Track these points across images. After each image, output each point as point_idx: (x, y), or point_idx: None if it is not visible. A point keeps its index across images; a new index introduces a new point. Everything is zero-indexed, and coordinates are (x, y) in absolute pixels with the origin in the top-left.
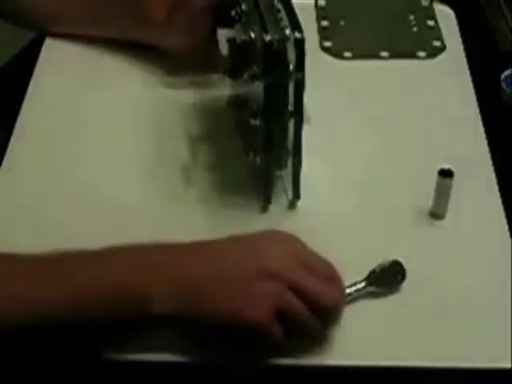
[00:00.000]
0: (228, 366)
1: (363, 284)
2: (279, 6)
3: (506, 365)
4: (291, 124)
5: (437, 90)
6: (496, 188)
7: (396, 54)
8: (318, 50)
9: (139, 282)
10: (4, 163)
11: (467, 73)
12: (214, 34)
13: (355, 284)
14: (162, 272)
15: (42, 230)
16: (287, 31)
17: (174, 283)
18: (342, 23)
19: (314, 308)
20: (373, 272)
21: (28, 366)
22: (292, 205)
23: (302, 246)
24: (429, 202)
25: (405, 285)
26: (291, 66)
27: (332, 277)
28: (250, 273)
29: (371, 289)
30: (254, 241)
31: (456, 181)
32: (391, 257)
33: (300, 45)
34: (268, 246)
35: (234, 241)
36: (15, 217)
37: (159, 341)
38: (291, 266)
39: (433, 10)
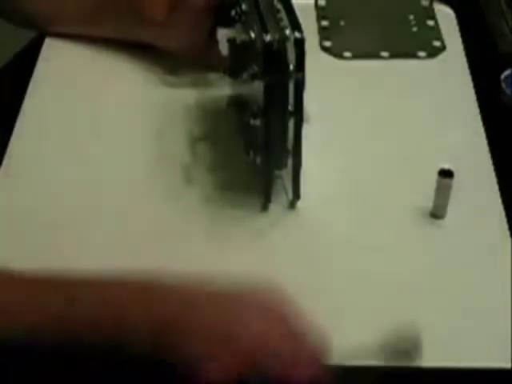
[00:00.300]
0: None
1: (372, 360)
2: (279, 6)
3: (506, 365)
4: (291, 124)
5: (437, 89)
6: (496, 188)
7: (396, 54)
8: (318, 49)
9: (116, 315)
10: (4, 163)
11: (467, 73)
12: (213, 33)
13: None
14: (141, 311)
15: (42, 231)
16: (287, 31)
17: (150, 319)
18: (342, 23)
19: None
20: (384, 349)
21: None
22: (292, 205)
23: (285, 315)
24: (429, 202)
25: (405, 285)
26: (291, 66)
27: (310, 355)
28: (219, 336)
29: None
30: (237, 302)
31: (456, 181)
32: (391, 257)
33: (300, 45)
34: (249, 317)
35: (219, 295)
36: (15, 217)
37: None
38: (260, 343)
39: (433, 10)
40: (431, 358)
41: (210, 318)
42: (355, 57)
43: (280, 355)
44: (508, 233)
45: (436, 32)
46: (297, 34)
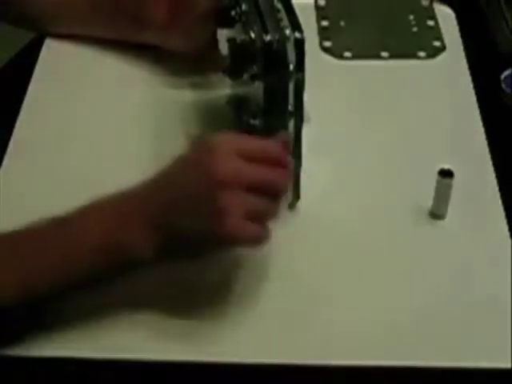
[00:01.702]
0: (224, 366)
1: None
2: (279, 6)
3: (506, 365)
4: (291, 124)
5: (437, 89)
6: (496, 188)
7: (396, 54)
8: (318, 49)
9: (114, 237)
10: (4, 163)
11: (467, 73)
12: (214, 34)
13: None
14: (132, 219)
15: None
16: (287, 31)
17: (147, 224)
18: (342, 23)
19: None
20: None
21: None
22: (292, 205)
23: (240, 140)
24: (429, 202)
25: (405, 285)
26: (291, 66)
27: (276, 156)
28: (209, 190)
29: None
30: (199, 157)
31: (456, 181)
32: (391, 256)
33: (300, 45)
34: (213, 158)
35: (183, 164)
36: (15, 217)
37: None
38: (242, 169)
39: (433, 10)
40: (431, 357)
41: (195, 183)
42: (355, 57)
43: (263, 170)
44: (508, 233)
45: (436, 32)
46: (297, 34)
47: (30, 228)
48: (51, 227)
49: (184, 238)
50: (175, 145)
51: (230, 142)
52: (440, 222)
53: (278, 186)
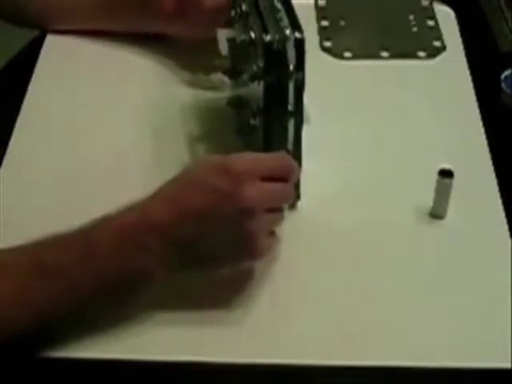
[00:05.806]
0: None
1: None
2: (279, 6)
3: (506, 365)
4: (291, 124)
5: (437, 89)
6: (496, 188)
7: (396, 54)
8: (318, 50)
9: (132, 264)
10: (4, 163)
11: (467, 73)
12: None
13: None
14: (150, 249)
15: (42, 231)
16: (287, 31)
17: (167, 251)
18: (342, 23)
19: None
20: None
21: None
22: (292, 205)
23: (257, 161)
24: (429, 202)
25: (405, 286)
26: (291, 66)
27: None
28: (238, 217)
29: None
30: (224, 186)
31: (456, 181)
32: (391, 256)
33: (300, 45)
34: (241, 186)
35: (202, 189)
36: (15, 217)
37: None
38: (266, 192)
39: (433, 10)
40: (432, 357)
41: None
42: (355, 57)
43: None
44: (508, 233)
45: (436, 32)
46: (297, 34)
47: (37, 252)
48: (60, 251)
49: (204, 263)
50: (175, 145)
51: (251, 165)
52: (440, 222)
53: (289, 200)
